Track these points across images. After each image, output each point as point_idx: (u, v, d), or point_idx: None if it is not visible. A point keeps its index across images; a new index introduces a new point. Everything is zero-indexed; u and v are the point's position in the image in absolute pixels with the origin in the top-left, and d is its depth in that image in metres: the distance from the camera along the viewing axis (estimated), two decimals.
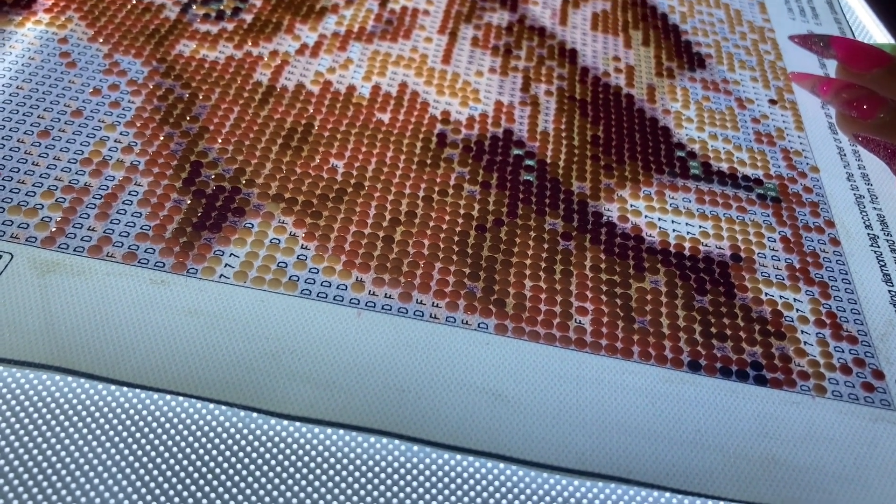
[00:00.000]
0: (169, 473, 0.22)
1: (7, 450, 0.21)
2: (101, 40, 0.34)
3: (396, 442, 0.23)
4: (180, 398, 0.23)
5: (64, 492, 0.21)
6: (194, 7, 0.37)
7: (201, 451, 0.22)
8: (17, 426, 0.22)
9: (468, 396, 0.25)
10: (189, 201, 0.28)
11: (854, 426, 0.26)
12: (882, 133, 0.35)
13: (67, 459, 0.22)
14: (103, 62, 0.33)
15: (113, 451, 0.22)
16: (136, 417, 0.23)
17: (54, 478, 0.21)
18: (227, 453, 0.22)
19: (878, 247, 0.32)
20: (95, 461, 0.22)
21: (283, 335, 0.25)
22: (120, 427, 0.22)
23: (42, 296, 0.25)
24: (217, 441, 0.23)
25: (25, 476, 0.21)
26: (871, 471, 0.25)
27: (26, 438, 0.22)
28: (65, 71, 0.32)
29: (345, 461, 0.23)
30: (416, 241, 0.29)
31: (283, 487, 0.22)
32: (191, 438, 0.23)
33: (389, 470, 0.23)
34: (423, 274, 0.28)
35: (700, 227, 0.32)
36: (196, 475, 0.22)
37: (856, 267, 0.31)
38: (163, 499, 0.21)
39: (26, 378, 0.23)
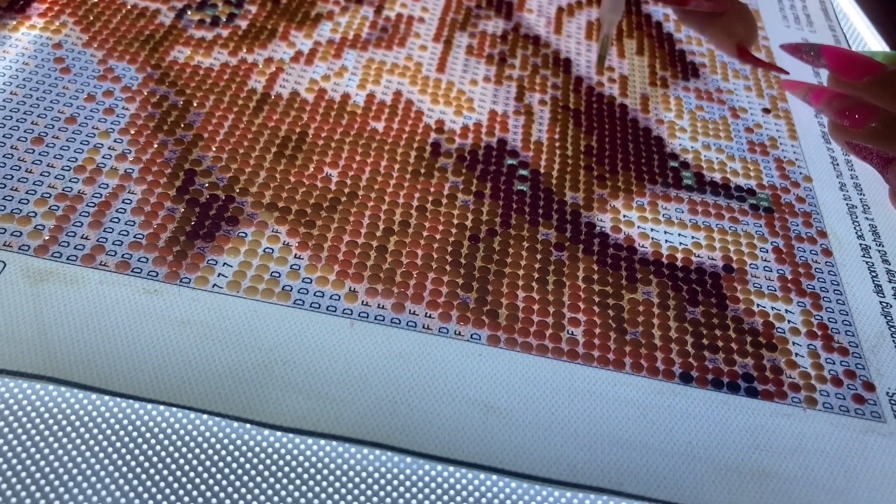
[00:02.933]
0: (162, 485, 0.22)
1: None
2: (95, 46, 0.34)
3: (389, 454, 0.23)
4: (173, 409, 0.23)
5: (57, 503, 0.21)
6: (189, 13, 0.37)
7: (194, 462, 0.22)
8: (10, 437, 0.22)
9: (460, 408, 0.25)
10: (183, 210, 0.28)
11: (845, 438, 0.26)
12: (874, 142, 0.35)
13: (61, 470, 0.22)
14: (98, 68, 0.33)
15: (106, 461, 0.22)
16: (130, 428, 0.23)
17: (47, 489, 0.21)
18: (221, 464, 0.22)
19: (870, 257, 0.33)
20: (88, 472, 0.22)
21: (276, 346, 0.25)
22: (114, 438, 0.22)
23: (35, 305, 0.25)
24: (210, 452, 0.23)
25: (18, 487, 0.21)
26: (861, 483, 0.25)
27: (19, 449, 0.22)
28: (59, 77, 0.32)
29: (337, 472, 0.23)
30: (410, 252, 0.29)
31: (275, 499, 0.22)
32: (184, 449, 0.23)
33: (383, 482, 0.23)
34: (416, 284, 0.28)
35: (692, 237, 0.32)
36: (189, 486, 0.22)
37: (847, 278, 0.32)
38: None
39: (20, 388, 0.23)
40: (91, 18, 0.36)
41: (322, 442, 0.23)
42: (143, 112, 0.32)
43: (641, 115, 0.37)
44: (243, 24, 0.37)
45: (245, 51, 0.36)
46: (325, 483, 0.23)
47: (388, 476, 0.23)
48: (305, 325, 0.26)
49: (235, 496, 0.22)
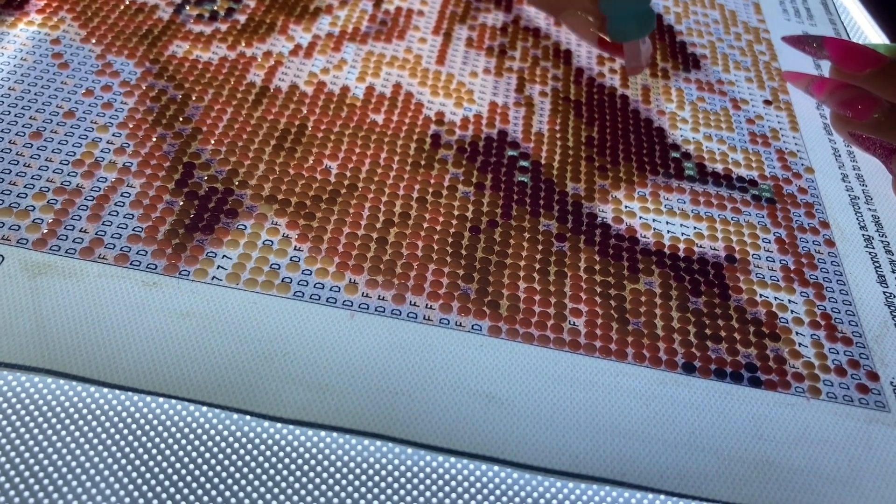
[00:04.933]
0: (161, 476, 0.22)
1: None
2: (93, 41, 0.34)
3: (390, 444, 0.23)
4: (172, 401, 0.23)
5: (55, 495, 0.21)
6: (187, 7, 0.37)
7: (194, 454, 0.22)
8: (9, 429, 0.22)
9: (462, 399, 0.24)
10: (181, 203, 0.28)
11: (848, 428, 0.26)
12: (877, 132, 0.35)
13: (60, 463, 0.21)
14: (96, 63, 0.33)
15: (105, 454, 0.22)
16: (129, 420, 0.23)
17: (46, 481, 0.21)
18: (220, 456, 0.22)
19: (873, 248, 0.32)
20: (87, 464, 0.22)
21: (276, 337, 0.25)
22: (112, 430, 0.22)
23: (33, 298, 0.25)
24: (210, 444, 0.22)
25: (17, 480, 0.21)
26: (865, 473, 0.25)
27: (18, 442, 0.22)
28: (57, 72, 0.32)
29: (338, 464, 0.23)
30: (410, 243, 0.29)
31: (276, 490, 0.22)
32: (183, 441, 0.22)
33: (384, 473, 0.23)
34: (416, 276, 0.28)
35: (695, 228, 0.32)
36: (189, 478, 0.22)
37: (850, 268, 0.31)
38: (155, 503, 0.21)
39: (18, 381, 0.23)
40: (89, 14, 0.36)
41: (323, 433, 0.23)
42: (142, 106, 0.32)
43: (643, 105, 0.37)
44: (242, 18, 0.37)
45: (244, 45, 0.36)
46: (325, 474, 0.22)
47: (389, 467, 0.23)
48: (305, 316, 0.26)
49: (235, 488, 0.22)
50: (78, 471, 0.21)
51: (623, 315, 0.28)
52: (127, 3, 0.37)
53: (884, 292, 0.31)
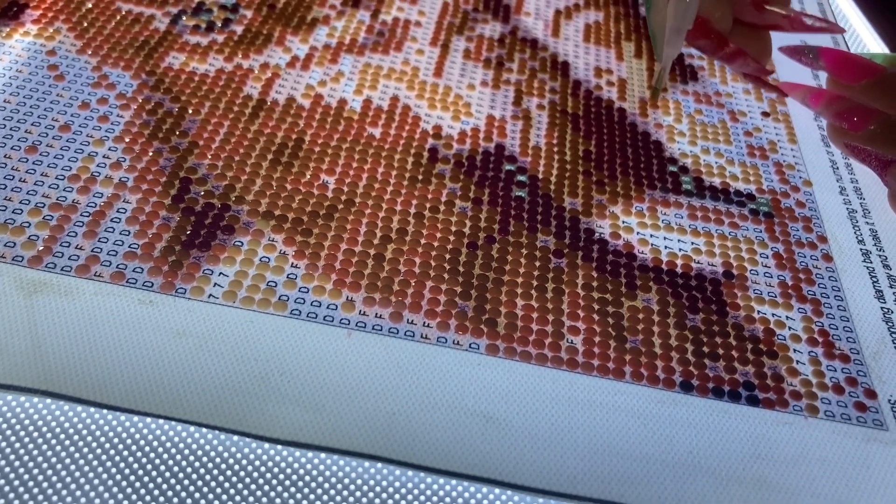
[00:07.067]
0: (162, 500, 0.22)
1: None
2: (89, 52, 0.34)
3: (391, 467, 0.23)
4: (170, 422, 0.23)
5: None
6: (184, 18, 0.37)
7: (194, 476, 0.22)
8: (8, 450, 0.22)
9: (459, 419, 0.24)
10: (178, 219, 0.28)
11: (846, 447, 0.26)
12: (872, 144, 0.35)
13: (59, 485, 0.21)
14: (92, 75, 0.33)
15: (105, 475, 0.22)
16: (129, 442, 0.22)
17: None
18: (220, 478, 0.22)
19: (871, 262, 0.32)
20: (87, 486, 0.21)
21: (273, 357, 0.25)
22: (112, 451, 0.22)
23: (28, 317, 0.24)
24: (210, 466, 0.22)
25: (16, 502, 0.21)
26: (863, 492, 0.25)
27: (17, 464, 0.22)
28: (53, 84, 0.32)
29: (339, 486, 0.23)
30: (407, 259, 0.28)
31: None
32: (184, 463, 0.22)
33: (384, 496, 0.23)
34: (413, 293, 0.27)
35: (692, 243, 0.32)
36: (189, 501, 0.22)
37: (848, 283, 0.31)
38: None
39: (17, 401, 0.23)
40: (85, 25, 0.35)
41: (322, 455, 0.23)
42: (138, 119, 0.32)
43: (640, 118, 0.37)
44: (238, 29, 0.37)
45: (241, 56, 0.36)
46: (325, 497, 0.22)
47: (390, 490, 0.23)
48: (302, 335, 0.26)
49: None
50: (78, 493, 0.21)
51: (621, 333, 0.28)
52: (123, 13, 0.36)
53: (881, 307, 0.31)
